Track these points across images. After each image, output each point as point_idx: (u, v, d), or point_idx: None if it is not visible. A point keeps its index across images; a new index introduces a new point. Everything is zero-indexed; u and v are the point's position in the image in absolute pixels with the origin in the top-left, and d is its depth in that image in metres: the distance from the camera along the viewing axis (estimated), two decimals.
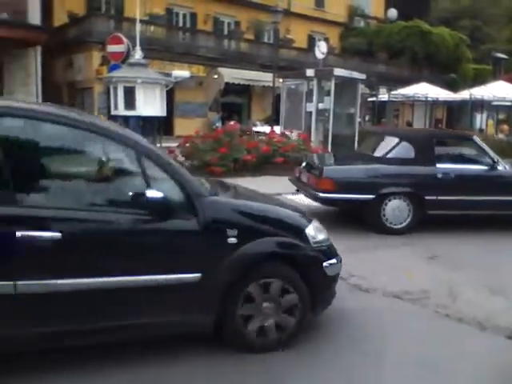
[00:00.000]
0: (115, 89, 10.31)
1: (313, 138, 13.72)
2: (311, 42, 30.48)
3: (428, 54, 31.09)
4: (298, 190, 7.65)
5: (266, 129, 16.85)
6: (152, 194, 2.88)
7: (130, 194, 2.93)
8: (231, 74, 23.33)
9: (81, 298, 2.87)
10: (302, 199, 7.76)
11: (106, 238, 2.95)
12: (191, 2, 25.92)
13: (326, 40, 27.18)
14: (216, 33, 26.64)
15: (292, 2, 29.87)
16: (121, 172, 3.25)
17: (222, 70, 23.43)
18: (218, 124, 21.89)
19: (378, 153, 7.29)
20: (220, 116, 23.50)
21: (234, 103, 25.53)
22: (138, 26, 11.29)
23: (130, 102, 10.17)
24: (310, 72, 14.15)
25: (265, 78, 23.25)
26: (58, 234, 2.76)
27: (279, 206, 3.79)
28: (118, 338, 3.12)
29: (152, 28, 21.88)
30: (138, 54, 10.65)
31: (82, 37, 21.15)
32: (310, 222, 3.66)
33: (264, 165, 11.52)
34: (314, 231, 3.58)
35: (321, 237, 3.61)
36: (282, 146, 11.96)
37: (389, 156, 7.01)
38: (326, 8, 32.34)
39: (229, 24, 27.98)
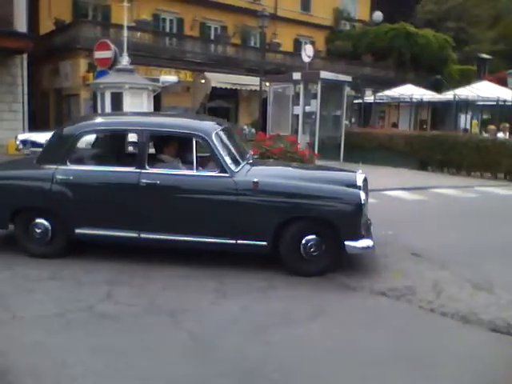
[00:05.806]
0: (102, 95, 10.34)
1: (299, 141, 13.83)
2: (298, 45, 30.65)
3: (413, 56, 31.33)
4: None
5: None
6: None
7: None
8: (218, 79, 23.35)
9: None
10: None
11: None
12: (178, 7, 25.98)
13: (313, 43, 27.37)
14: (203, 38, 26.70)
15: (278, 7, 30.07)
16: None
17: (208, 74, 23.47)
18: None
19: None
20: None
21: (221, 108, 25.53)
22: (126, 32, 11.31)
23: (116, 108, 10.19)
24: (296, 75, 14.29)
25: (251, 82, 23.32)
26: None
27: None
28: None
29: (139, 34, 21.88)
30: (125, 60, 10.70)
31: (68, 44, 21.10)
32: None
33: None
34: None
35: None
36: (269, 149, 12.05)
37: None
38: (313, 12, 32.55)
39: (216, 29, 28.07)
